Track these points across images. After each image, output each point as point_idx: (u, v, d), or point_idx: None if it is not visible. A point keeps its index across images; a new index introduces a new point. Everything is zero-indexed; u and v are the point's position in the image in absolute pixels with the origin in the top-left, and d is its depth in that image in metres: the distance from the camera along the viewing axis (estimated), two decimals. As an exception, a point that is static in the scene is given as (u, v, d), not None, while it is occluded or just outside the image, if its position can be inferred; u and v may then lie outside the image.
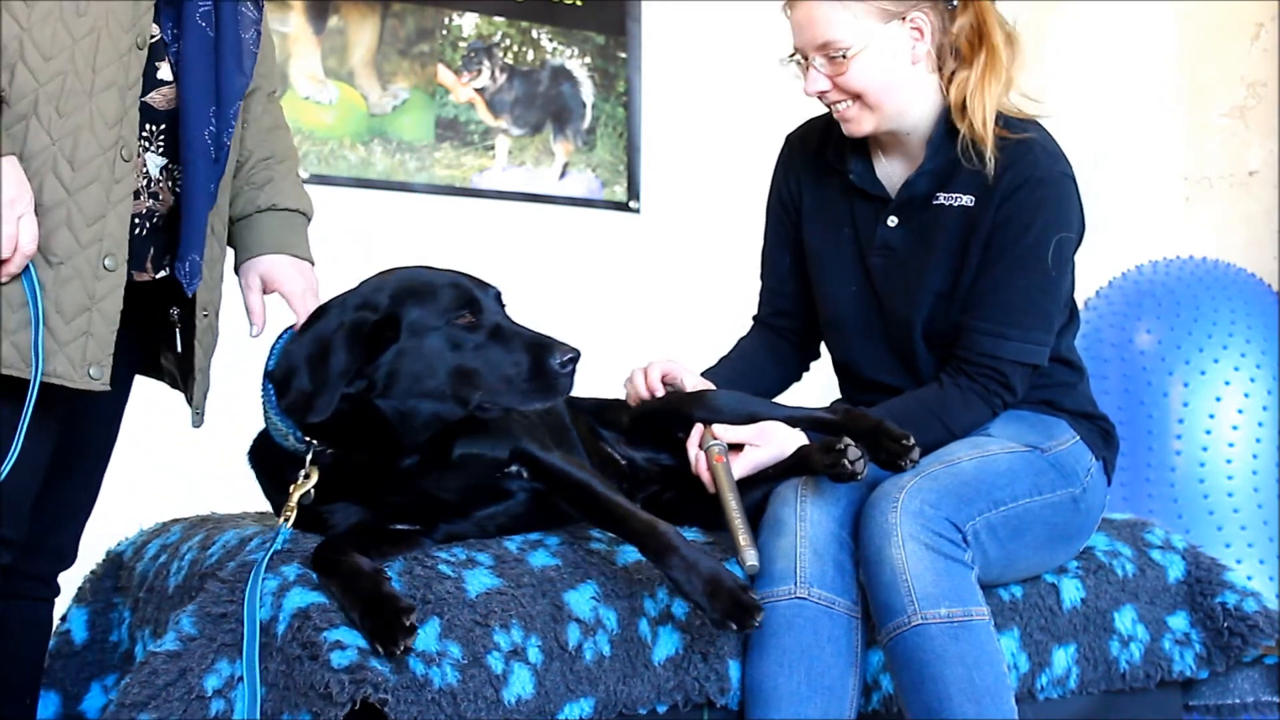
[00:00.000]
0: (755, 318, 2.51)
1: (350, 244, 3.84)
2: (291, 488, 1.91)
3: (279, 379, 1.94)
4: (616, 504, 1.95)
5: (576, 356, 1.91)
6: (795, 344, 2.48)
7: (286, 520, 1.90)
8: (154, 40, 1.86)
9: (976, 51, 2.21)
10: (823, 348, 2.51)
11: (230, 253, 2.10)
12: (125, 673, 1.87)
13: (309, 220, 2.12)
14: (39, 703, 2.17)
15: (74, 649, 2.24)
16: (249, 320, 2.06)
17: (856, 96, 2.20)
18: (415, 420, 1.91)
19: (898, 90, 2.21)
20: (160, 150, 1.89)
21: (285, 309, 2.06)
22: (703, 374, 2.37)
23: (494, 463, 2.00)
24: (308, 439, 1.92)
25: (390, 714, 1.71)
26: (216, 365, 2.09)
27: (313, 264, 2.11)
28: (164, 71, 1.88)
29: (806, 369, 2.53)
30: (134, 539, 2.32)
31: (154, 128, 1.88)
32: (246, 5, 1.94)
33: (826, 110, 2.31)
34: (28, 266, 1.73)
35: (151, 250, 1.90)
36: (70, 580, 2.26)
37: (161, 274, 1.92)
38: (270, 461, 2.00)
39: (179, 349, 2.00)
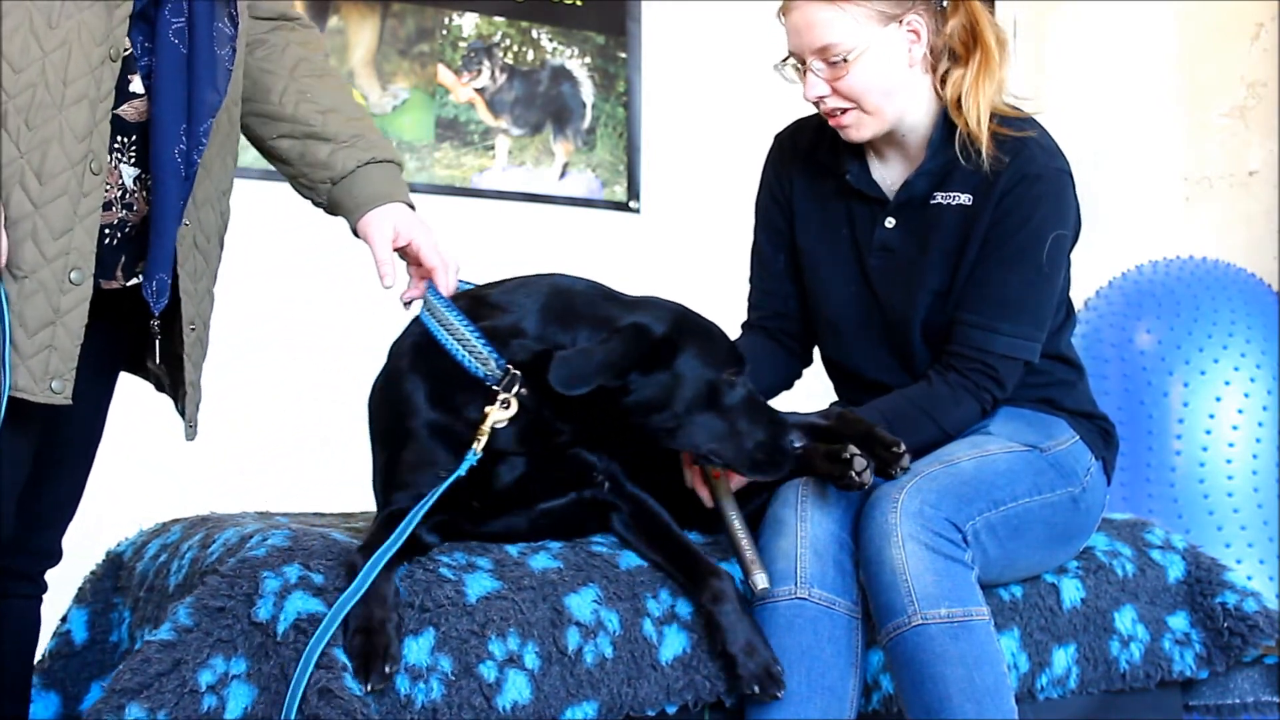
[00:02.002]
0: (746, 324, 2.48)
1: (350, 244, 3.84)
2: (488, 409, 1.89)
3: (477, 304, 1.95)
4: (687, 544, 2.00)
5: (807, 446, 1.98)
6: (790, 349, 2.45)
7: (477, 444, 1.88)
8: (126, 53, 1.83)
9: (971, 52, 2.21)
10: (816, 354, 2.50)
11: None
12: (125, 672, 1.87)
13: (403, 169, 2.12)
14: (39, 703, 2.17)
15: (74, 649, 2.24)
16: (379, 274, 2.03)
17: (855, 103, 2.20)
18: (634, 430, 1.94)
19: (896, 94, 2.20)
20: (133, 161, 1.87)
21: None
22: None
23: (590, 464, 2.03)
24: (510, 368, 1.90)
25: None
26: (212, 366, 2.08)
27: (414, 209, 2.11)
28: (136, 84, 1.85)
29: (799, 376, 2.49)
30: (134, 539, 2.32)
31: (125, 139, 1.86)
32: (223, 22, 1.91)
33: (815, 113, 2.30)
34: None
35: (123, 259, 1.89)
36: (69, 580, 2.27)
37: (133, 282, 1.90)
38: (438, 374, 1.95)
39: (157, 360, 1.99)
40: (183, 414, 2.00)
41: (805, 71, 2.20)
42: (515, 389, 1.90)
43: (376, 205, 2.05)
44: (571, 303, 1.95)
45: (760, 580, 1.95)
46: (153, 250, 1.86)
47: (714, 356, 1.96)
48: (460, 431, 1.92)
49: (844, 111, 2.21)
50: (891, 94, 2.20)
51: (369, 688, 1.73)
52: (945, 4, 2.21)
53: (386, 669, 1.74)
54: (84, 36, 1.76)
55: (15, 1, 1.73)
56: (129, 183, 1.87)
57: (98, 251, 1.81)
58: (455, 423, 1.93)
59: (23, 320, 1.74)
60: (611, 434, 1.96)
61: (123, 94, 1.84)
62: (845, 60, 2.16)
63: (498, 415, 1.89)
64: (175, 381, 1.99)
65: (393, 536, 1.80)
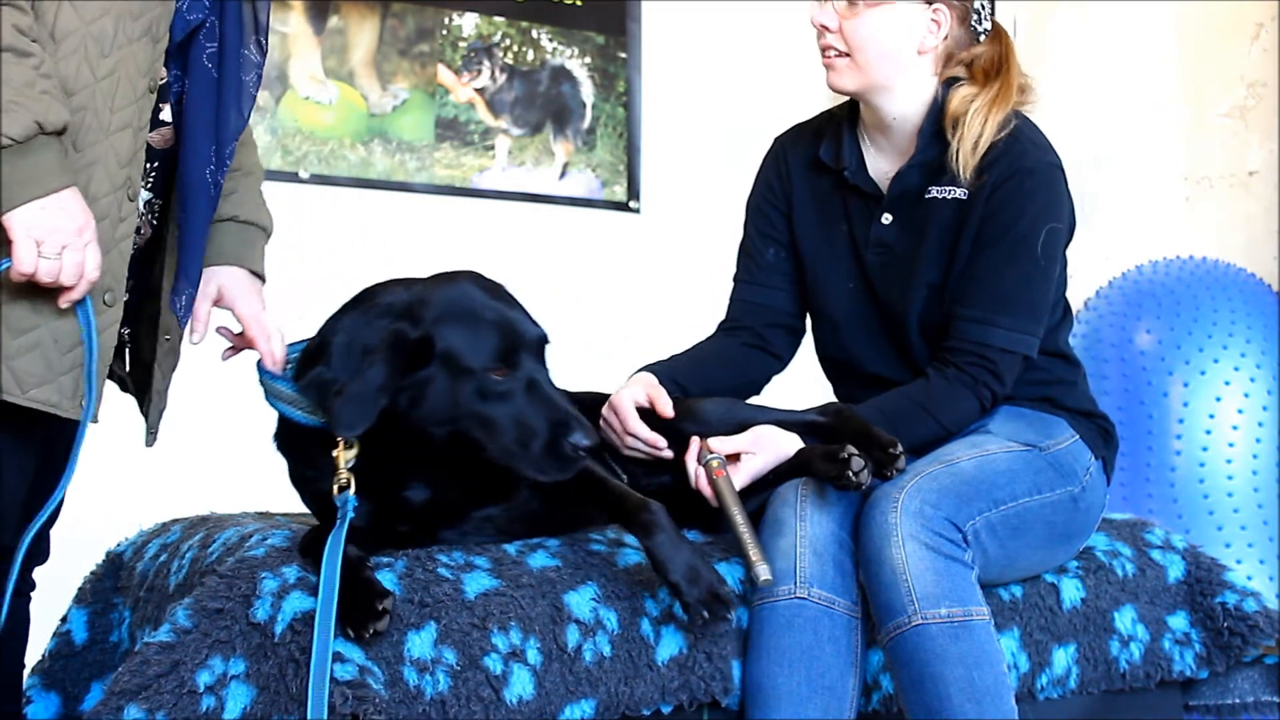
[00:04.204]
0: (721, 324, 2.44)
1: (350, 244, 3.85)
2: (336, 452, 1.86)
3: (313, 349, 1.93)
4: (612, 484, 1.98)
5: (594, 446, 1.86)
6: (766, 346, 2.41)
7: (344, 489, 1.85)
8: (162, 82, 1.88)
9: (991, 80, 2.24)
10: (800, 356, 2.47)
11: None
12: (124, 672, 1.87)
13: (268, 236, 2.10)
14: (40, 704, 2.17)
15: (74, 650, 2.24)
16: (191, 328, 2.01)
17: (851, 51, 2.22)
18: (432, 443, 1.87)
19: (891, 66, 2.22)
20: (149, 186, 1.92)
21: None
22: (656, 367, 2.31)
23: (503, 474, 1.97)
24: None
25: None
26: (213, 366, 2.08)
27: (264, 281, 2.09)
28: (165, 113, 1.90)
29: (775, 372, 2.45)
30: (134, 539, 2.32)
31: (148, 165, 1.90)
32: (249, 49, 1.95)
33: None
34: (84, 299, 1.75)
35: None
36: (68, 581, 2.27)
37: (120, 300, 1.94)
38: (296, 435, 1.96)
39: (126, 366, 2.02)
40: (146, 418, 2.02)
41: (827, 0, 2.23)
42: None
43: (217, 264, 2.03)
44: (345, 314, 1.92)
45: (763, 572, 1.94)
46: (184, 266, 1.91)
47: (475, 347, 1.84)
48: (328, 482, 1.89)
49: (838, 54, 2.23)
50: (887, 60, 2.21)
51: (369, 632, 1.72)
52: (983, 35, 2.26)
53: (379, 606, 1.72)
54: (131, 68, 1.81)
55: (67, 2, 1.75)
56: (140, 207, 1.90)
57: None
58: (324, 475, 1.90)
59: (57, 337, 1.77)
60: (429, 449, 1.88)
61: (152, 122, 1.88)
62: (862, 2, 2.19)
63: (346, 455, 1.87)
64: (142, 388, 2.01)
65: (322, 599, 1.74)
